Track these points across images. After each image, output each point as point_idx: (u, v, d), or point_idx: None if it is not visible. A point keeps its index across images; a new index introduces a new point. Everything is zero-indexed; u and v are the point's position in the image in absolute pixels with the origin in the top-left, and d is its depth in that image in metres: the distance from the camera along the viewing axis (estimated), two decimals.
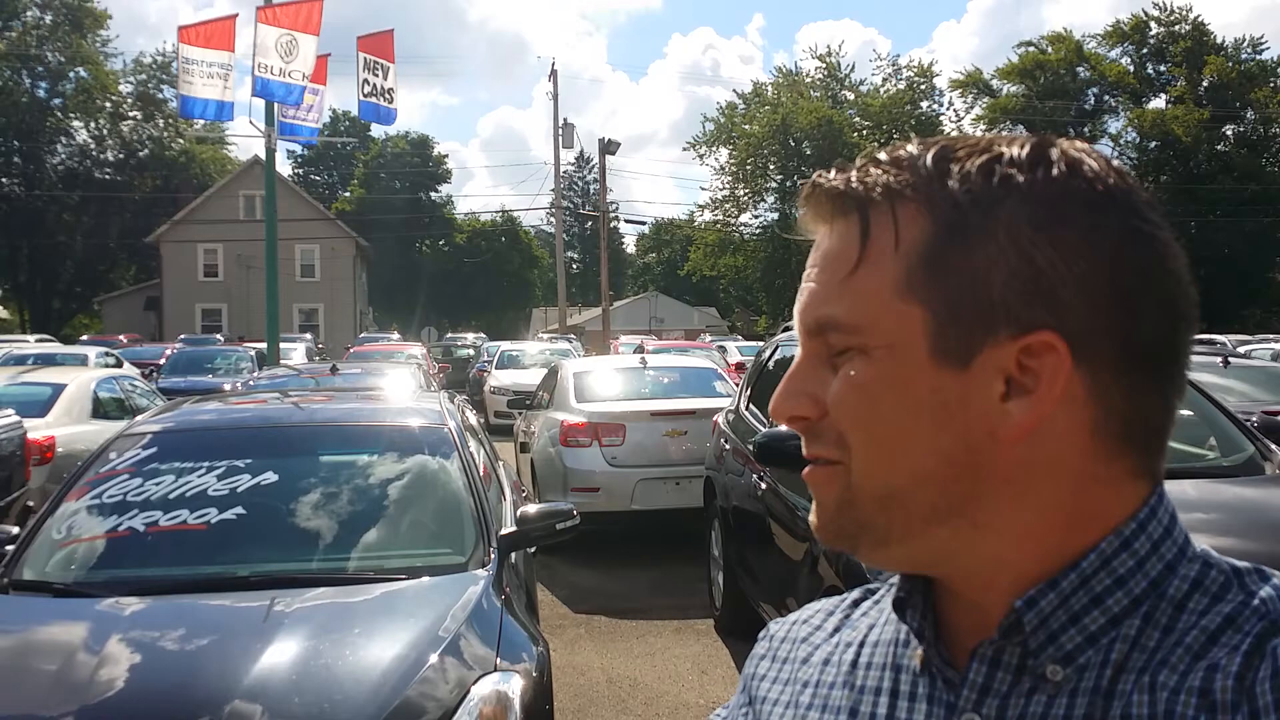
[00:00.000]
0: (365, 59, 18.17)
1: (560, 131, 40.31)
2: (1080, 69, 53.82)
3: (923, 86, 54.36)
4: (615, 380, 9.92)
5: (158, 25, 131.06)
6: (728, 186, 54.27)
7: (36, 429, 8.17)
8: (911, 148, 0.71)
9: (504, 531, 3.97)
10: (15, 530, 3.92)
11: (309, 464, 4.21)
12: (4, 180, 53.12)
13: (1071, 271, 0.66)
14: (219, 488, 3.87)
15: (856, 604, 0.87)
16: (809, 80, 54.96)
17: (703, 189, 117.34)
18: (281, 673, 2.90)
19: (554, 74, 40.84)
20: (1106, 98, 54.59)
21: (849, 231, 0.71)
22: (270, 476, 3.95)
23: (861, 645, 0.81)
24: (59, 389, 9.54)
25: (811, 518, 0.74)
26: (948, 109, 55.57)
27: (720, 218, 54.66)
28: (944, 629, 0.75)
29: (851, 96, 55.17)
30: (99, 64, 55.99)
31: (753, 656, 0.89)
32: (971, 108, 54.98)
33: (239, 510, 3.79)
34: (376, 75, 18.70)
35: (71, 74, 55.21)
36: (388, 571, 3.64)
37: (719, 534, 6.75)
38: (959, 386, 0.68)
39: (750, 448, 5.41)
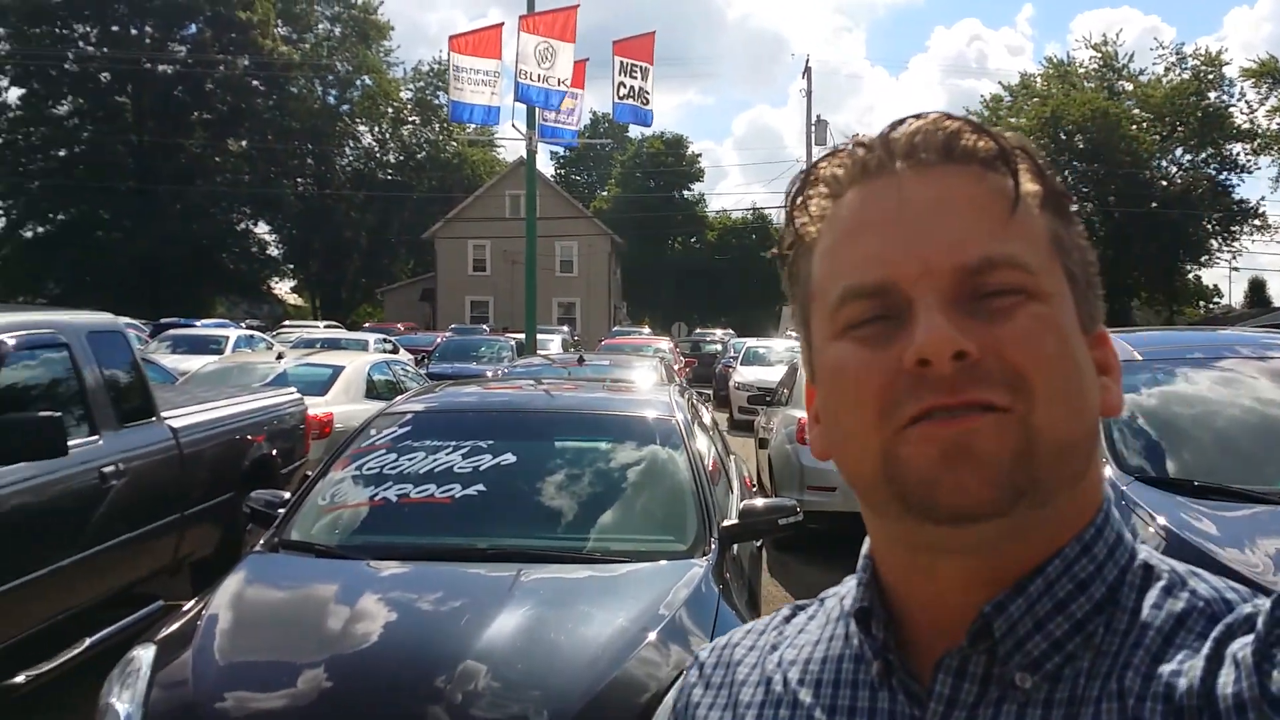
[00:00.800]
0: (622, 62, 18.70)
1: (813, 128, 39.99)
2: None
3: (1210, 76, 50.00)
4: None
5: (436, 36, 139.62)
6: None
7: (317, 406, 9.00)
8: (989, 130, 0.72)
9: (727, 523, 4.03)
10: (286, 495, 4.34)
11: (545, 448, 4.42)
12: (299, 180, 58.11)
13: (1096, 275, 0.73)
14: (463, 465, 4.14)
15: (788, 620, 0.84)
16: (1082, 71, 51.80)
17: None
18: (508, 639, 3.07)
19: (808, 71, 40.56)
20: None
21: (986, 178, 0.69)
22: (509, 458, 4.19)
23: (807, 663, 0.78)
24: (338, 371, 10.44)
25: (959, 477, 0.64)
26: (1238, 99, 50.94)
27: None
28: (904, 640, 0.72)
29: (1130, 87, 51.54)
30: (382, 73, 60.30)
31: (683, 688, 0.85)
32: (1266, 98, 50.14)
33: (480, 487, 4.03)
34: (634, 78, 19.21)
35: (358, 82, 59.72)
36: (613, 554, 3.78)
37: None
38: (1088, 350, 0.70)
39: None
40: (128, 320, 24.16)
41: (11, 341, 4.77)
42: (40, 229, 52.63)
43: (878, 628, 0.72)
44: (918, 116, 0.72)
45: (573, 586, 3.53)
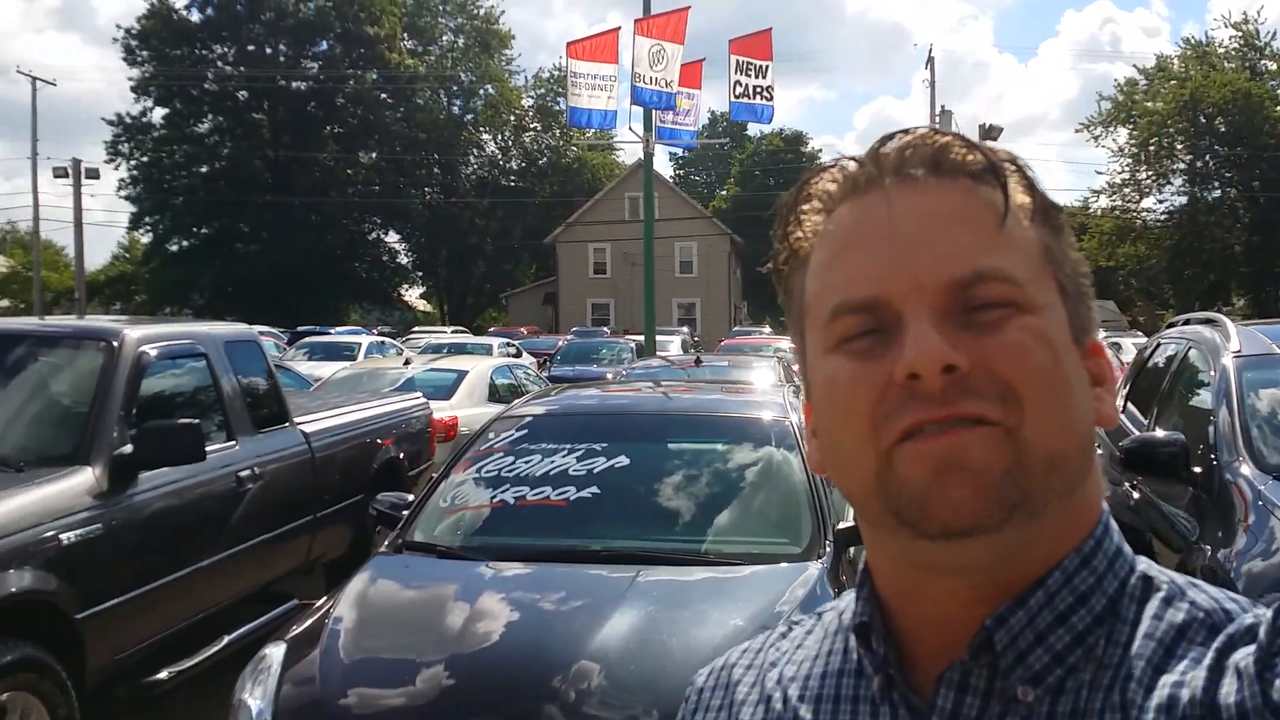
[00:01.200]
0: (738, 61, 18.65)
1: (938, 119, 39.14)
2: None
3: None
4: None
5: (555, 43, 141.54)
6: (1127, 169, 49.87)
7: (442, 410, 9.24)
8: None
9: (842, 525, 3.98)
10: (410, 498, 4.47)
11: (659, 450, 4.44)
12: (427, 190, 59.68)
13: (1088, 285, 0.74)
14: (578, 468, 4.18)
15: (785, 636, 0.84)
16: (1222, 51, 49.37)
17: (1098, 173, 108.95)
18: (622, 639, 3.11)
19: (930, 61, 39.74)
20: None
21: (976, 191, 0.69)
22: (623, 460, 4.22)
23: (806, 679, 0.78)
24: (462, 375, 10.71)
25: (950, 493, 0.64)
26: None
27: (1119, 203, 50.40)
28: (904, 655, 0.72)
29: (1273, 67, 48.88)
30: (504, 81, 61.44)
31: (681, 717, 0.85)
32: None
33: (594, 489, 4.07)
34: (750, 75, 19.14)
35: (481, 91, 61.04)
36: (727, 556, 3.77)
37: None
38: (1080, 362, 0.71)
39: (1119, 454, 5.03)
40: (266, 329, 25.24)
41: (153, 353, 5.03)
42: (185, 243, 55.27)
43: (878, 642, 0.72)
44: (906, 132, 0.72)
45: (687, 588, 3.54)
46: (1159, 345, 6.43)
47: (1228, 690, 0.59)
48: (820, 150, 73.12)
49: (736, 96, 19.06)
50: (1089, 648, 0.66)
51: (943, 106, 39.37)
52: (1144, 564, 0.71)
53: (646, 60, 16.81)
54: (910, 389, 0.65)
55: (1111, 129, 49.99)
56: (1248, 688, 0.58)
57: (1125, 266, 53.18)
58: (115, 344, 4.82)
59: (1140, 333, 37.06)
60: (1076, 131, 53.96)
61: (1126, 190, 49.97)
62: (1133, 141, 48.97)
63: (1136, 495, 5.07)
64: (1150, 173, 49.41)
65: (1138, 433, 5.15)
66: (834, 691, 0.75)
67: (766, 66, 19.35)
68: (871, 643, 0.73)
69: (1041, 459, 0.65)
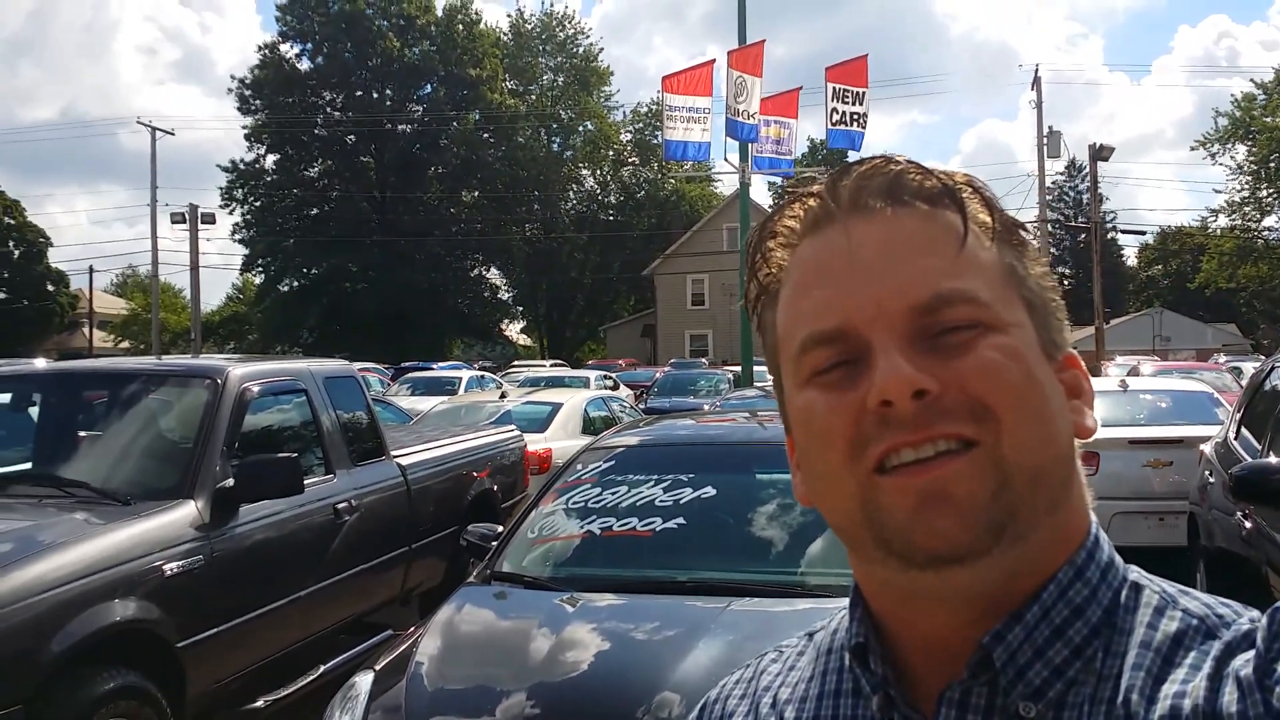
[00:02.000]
0: (834, 88, 18.62)
1: (1045, 140, 38.33)
2: None
3: None
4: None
5: (654, 78, 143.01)
6: (1247, 187, 48.13)
7: (536, 442, 9.33)
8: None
9: None
10: (500, 529, 4.51)
11: (744, 481, 4.40)
12: (527, 226, 60.70)
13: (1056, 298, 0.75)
14: (664, 499, 4.17)
15: (774, 660, 0.84)
16: None
17: (1216, 191, 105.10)
18: (704, 670, 3.08)
19: (1037, 81, 38.96)
20: None
21: (934, 216, 0.70)
22: (709, 491, 4.19)
23: (803, 700, 0.77)
24: (556, 408, 10.81)
25: (934, 523, 0.64)
26: None
27: (1239, 222, 48.61)
28: (902, 674, 0.72)
29: None
30: (603, 117, 62.42)
31: None
32: None
33: (680, 520, 4.05)
34: (846, 103, 19.08)
35: (580, 128, 62.03)
36: (812, 588, 3.72)
37: (1203, 577, 6.04)
38: (1054, 376, 0.71)
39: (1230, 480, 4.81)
40: (371, 365, 25.89)
41: (256, 389, 5.19)
42: (295, 283, 57.22)
43: (876, 662, 0.72)
44: (862, 162, 0.73)
45: (773, 620, 3.50)
46: (1275, 368, 6.14)
47: (1229, 700, 0.60)
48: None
49: (834, 124, 19.01)
50: (1087, 660, 0.66)
51: (1050, 127, 38.56)
52: (1135, 573, 0.71)
53: (733, 91, 16.94)
54: (883, 415, 0.66)
55: (1229, 146, 48.31)
56: (1248, 696, 0.59)
57: (1248, 288, 51.14)
58: (220, 381, 5.00)
59: (1264, 357, 35.52)
60: (1192, 149, 52.29)
61: (1247, 209, 48.22)
62: (1252, 158, 47.23)
63: (1249, 525, 4.83)
64: (1271, 190, 47.54)
65: (1250, 459, 4.92)
66: (832, 713, 0.75)
67: (863, 93, 19.29)
68: (869, 663, 0.73)
69: (1023, 476, 0.66)
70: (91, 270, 56.22)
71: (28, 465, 5.12)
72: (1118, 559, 0.71)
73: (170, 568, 4.16)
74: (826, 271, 0.70)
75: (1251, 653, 0.61)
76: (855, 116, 19.31)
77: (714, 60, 18.57)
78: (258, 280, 60.44)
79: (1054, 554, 0.69)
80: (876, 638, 0.73)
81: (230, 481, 4.63)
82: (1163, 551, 7.42)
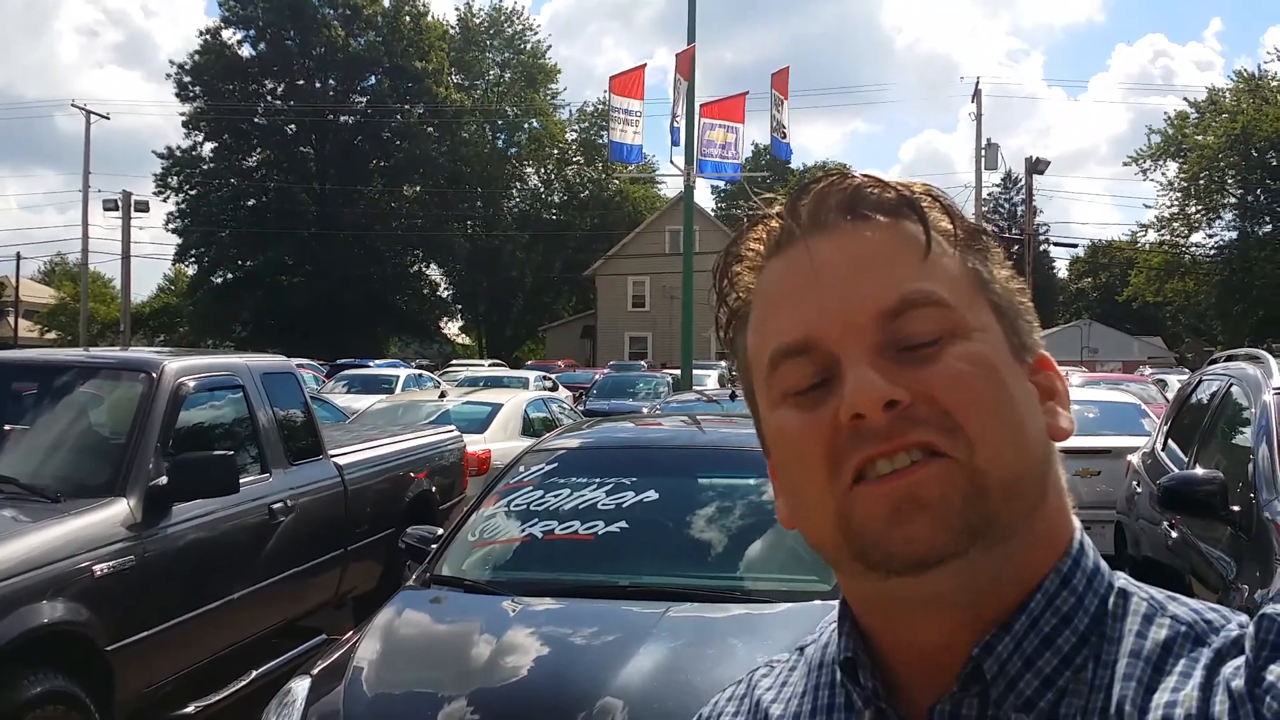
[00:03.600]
0: (775, 96, 18.76)
1: (983, 152, 39.01)
2: None
3: None
4: None
5: (602, 78, 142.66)
6: (1176, 203, 49.37)
7: (475, 443, 9.26)
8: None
9: None
10: (439, 531, 4.47)
11: (687, 484, 4.41)
12: (469, 223, 60.27)
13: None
14: (606, 502, 4.16)
15: (766, 675, 0.84)
16: (1275, 84, 48.79)
17: (1146, 207, 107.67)
18: (647, 676, 3.09)
19: (978, 94, 39.67)
20: None
21: (895, 227, 0.70)
22: (651, 494, 4.19)
23: (796, 717, 0.77)
24: (496, 409, 10.75)
25: (908, 528, 0.65)
26: None
27: (1168, 238, 49.84)
28: (893, 686, 0.72)
29: None
30: (549, 115, 62.15)
31: None
32: None
33: (622, 524, 4.05)
34: (780, 111, 19.35)
35: (525, 125, 61.74)
36: (755, 593, 3.73)
37: None
38: (1025, 379, 0.71)
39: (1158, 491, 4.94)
40: (306, 361, 25.51)
41: (192, 384, 5.09)
42: (229, 276, 56.16)
43: (865, 676, 0.72)
44: (818, 180, 0.73)
45: (715, 625, 3.51)
46: (1201, 381, 6.31)
47: (1220, 710, 0.60)
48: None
49: (774, 130, 19.17)
50: (1077, 669, 0.66)
51: (989, 140, 39.24)
52: (1121, 579, 0.71)
53: (674, 95, 17.21)
54: (857, 428, 0.66)
55: (1161, 163, 49.52)
56: (1241, 707, 0.59)
57: (1174, 302, 52.47)
58: (155, 375, 4.89)
59: (1187, 370, 36.49)
60: (1125, 165, 53.39)
61: (1175, 225, 49.42)
62: (1183, 175, 48.45)
63: (1175, 534, 4.97)
64: (1200, 207, 48.84)
65: (1177, 470, 5.05)
66: None
67: (782, 101, 19.60)
68: (859, 677, 0.72)
69: (998, 485, 0.65)
70: (19, 257, 54.62)
71: None
72: (1104, 565, 0.71)
73: (100, 568, 4.05)
74: (791, 290, 0.71)
75: (1241, 660, 0.61)
76: (780, 125, 19.63)
77: (645, 65, 18.78)
78: (190, 271, 59.23)
79: (1038, 560, 0.69)
80: (866, 651, 0.72)
81: (164, 479, 4.52)
82: None
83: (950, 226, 0.72)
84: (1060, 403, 0.73)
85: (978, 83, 40.00)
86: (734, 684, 0.87)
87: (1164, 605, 0.68)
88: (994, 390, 0.67)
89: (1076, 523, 0.72)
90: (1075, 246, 59.64)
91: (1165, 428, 6.31)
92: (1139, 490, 6.18)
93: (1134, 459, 6.80)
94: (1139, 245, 52.00)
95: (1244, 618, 0.66)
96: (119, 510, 4.31)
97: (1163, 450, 6.06)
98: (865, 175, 0.72)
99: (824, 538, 0.70)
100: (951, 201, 0.74)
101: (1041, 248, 60.55)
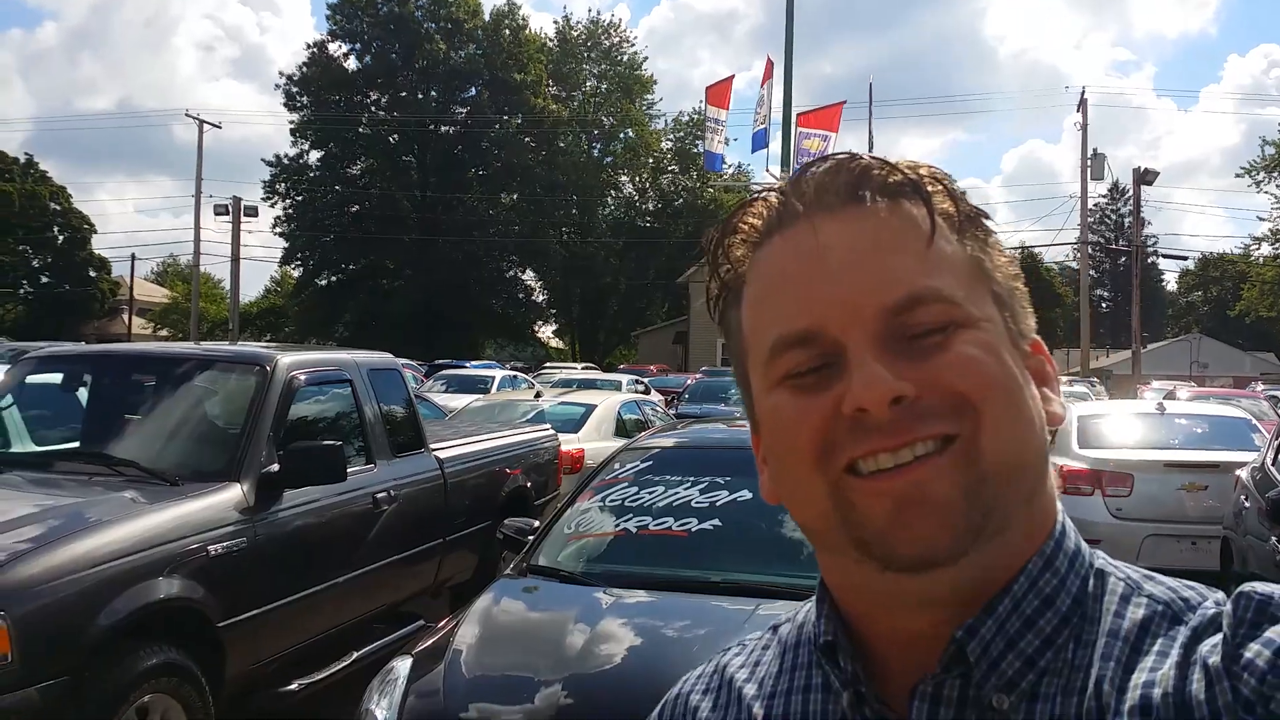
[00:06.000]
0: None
1: (1089, 163, 38.00)
2: None
3: None
4: (1127, 426, 9.16)
5: (698, 90, 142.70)
6: None
7: (569, 442, 9.40)
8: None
9: None
10: (536, 524, 4.58)
11: None
12: (564, 230, 60.87)
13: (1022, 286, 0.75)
14: (700, 500, 4.22)
15: (738, 655, 0.83)
16: None
17: (1260, 219, 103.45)
18: None
19: (1083, 103, 38.62)
20: None
21: (900, 212, 0.69)
22: (745, 494, 4.23)
23: (771, 697, 0.77)
24: (590, 409, 10.87)
25: (913, 528, 0.64)
26: None
27: None
28: (872, 668, 0.72)
29: None
30: (644, 125, 62.52)
31: None
32: None
33: (715, 521, 4.10)
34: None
35: (621, 135, 62.17)
36: None
37: None
38: (1023, 364, 0.71)
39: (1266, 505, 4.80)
40: (405, 361, 26.04)
41: (303, 377, 5.29)
42: (333, 278, 57.62)
43: (845, 659, 0.71)
44: (825, 159, 0.72)
45: None
46: None
47: (1197, 687, 0.60)
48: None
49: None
50: (1058, 650, 0.66)
51: (1095, 149, 38.19)
52: (1100, 559, 0.71)
53: (763, 104, 17.36)
54: (859, 420, 0.65)
55: (1275, 175, 47.68)
56: (1217, 684, 0.59)
57: None
58: (268, 368, 5.10)
59: None
60: (1237, 176, 51.52)
61: None
62: None
63: None
64: None
65: None
66: (801, 709, 0.74)
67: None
68: (839, 660, 0.72)
69: (1000, 467, 0.65)
70: (134, 258, 56.92)
71: (75, 444, 5.24)
72: (1084, 546, 0.71)
73: (214, 548, 4.25)
74: (795, 272, 0.69)
75: (1219, 637, 0.61)
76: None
77: (733, 76, 19.13)
78: (296, 274, 60.98)
79: (1027, 546, 0.68)
80: (845, 634, 0.72)
81: (275, 467, 4.71)
82: (1195, 576, 7.37)
83: (954, 213, 0.71)
84: (1052, 388, 0.73)
85: (1083, 92, 38.96)
86: (704, 664, 0.86)
87: (1140, 585, 0.69)
88: (1002, 375, 0.67)
89: (1059, 506, 0.72)
90: (1185, 259, 57.92)
91: (1277, 442, 6.11)
92: (1247, 506, 6.00)
93: (1243, 474, 6.60)
94: (1251, 258, 50.15)
95: (1220, 595, 0.66)
96: (233, 495, 4.51)
97: (1273, 465, 5.88)
98: (872, 157, 0.71)
99: (815, 520, 0.69)
100: (956, 186, 0.72)
101: (1150, 260, 58.75)
